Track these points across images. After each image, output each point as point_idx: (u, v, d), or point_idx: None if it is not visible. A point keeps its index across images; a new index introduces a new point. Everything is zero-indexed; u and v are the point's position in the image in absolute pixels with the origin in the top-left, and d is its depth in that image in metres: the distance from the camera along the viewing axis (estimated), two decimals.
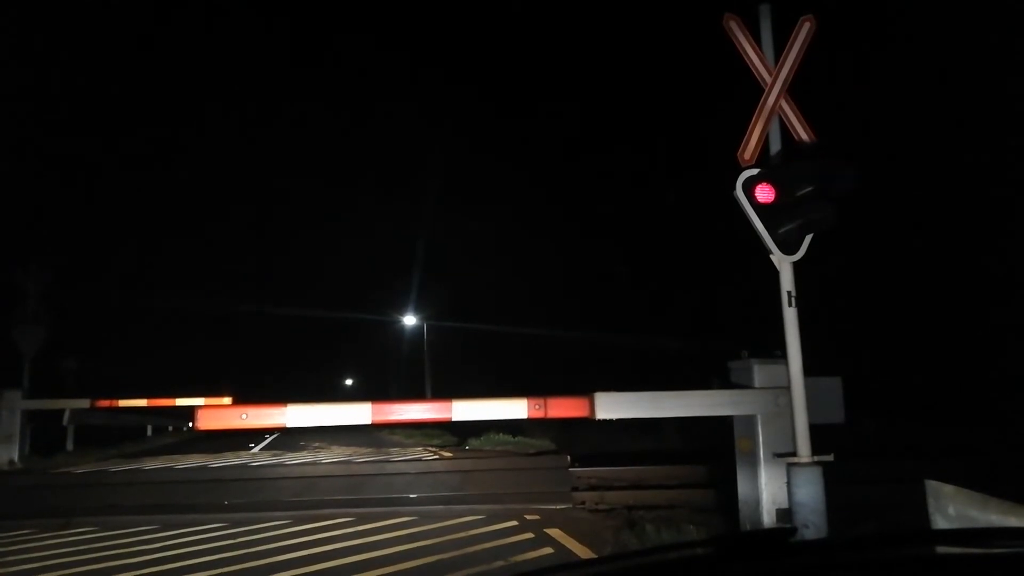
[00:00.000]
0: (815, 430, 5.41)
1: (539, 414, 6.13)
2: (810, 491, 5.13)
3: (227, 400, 17.89)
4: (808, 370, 5.48)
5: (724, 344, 6.72)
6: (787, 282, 5.49)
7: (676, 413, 6.28)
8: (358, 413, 6.12)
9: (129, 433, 23.05)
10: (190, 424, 40.15)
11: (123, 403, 15.99)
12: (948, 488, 3.63)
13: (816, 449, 5.32)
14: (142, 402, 16.41)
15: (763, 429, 5.89)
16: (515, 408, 6.15)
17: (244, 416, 6.03)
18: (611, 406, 6.11)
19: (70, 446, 16.61)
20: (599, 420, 6.12)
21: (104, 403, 15.58)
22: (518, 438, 14.96)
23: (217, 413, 6.15)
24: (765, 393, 5.94)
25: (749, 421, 6.01)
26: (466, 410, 6.17)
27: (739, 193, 5.51)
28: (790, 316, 5.46)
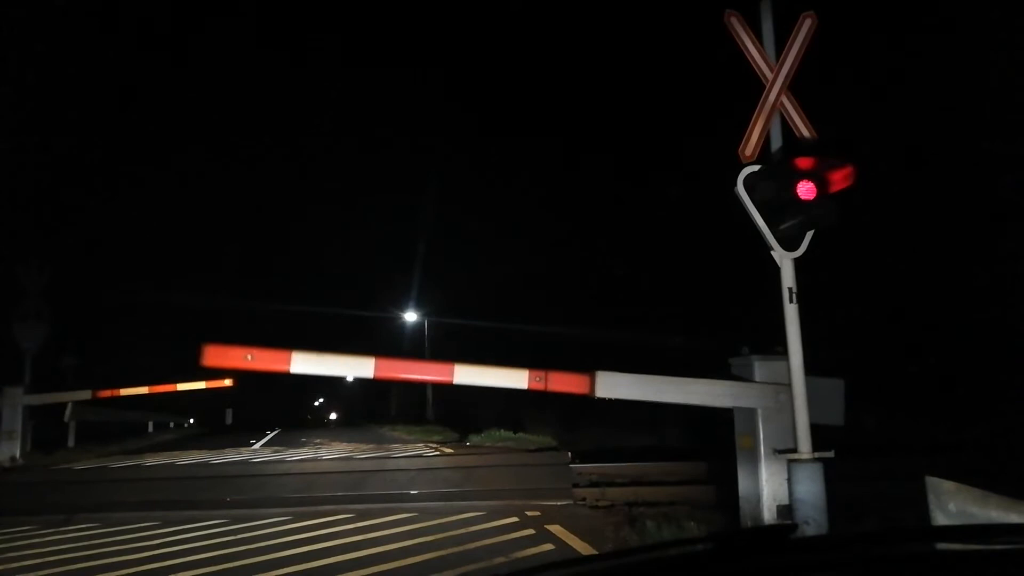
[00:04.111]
0: (815, 427, 5.42)
1: (539, 386, 6.18)
2: (811, 487, 5.13)
3: (228, 382, 17.98)
4: (810, 369, 5.47)
5: (725, 341, 6.72)
6: (788, 278, 5.49)
7: (677, 399, 6.27)
8: (362, 367, 6.24)
9: (130, 430, 23.09)
10: (191, 420, 40.22)
11: (124, 392, 15.99)
12: (948, 484, 3.63)
13: (817, 445, 5.33)
14: (143, 389, 16.40)
15: (764, 425, 5.90)
16: (516, 378, 6.22)
17: (249, 357, 6.13)
18: (612, 385, 6.14)
19: (71, 443, 16.64)
20: (598, 399, 6.16)
21: (105, 393, 15.61)
22: (519, 434, 14.98)
23: (223, 351, 6.22)
24: (766, 388, 5.94)
25: (750, 416, 6.02)
26: (467, 374, 6.25)
27: (740, 189, 5.51)
28: (791, 312, 5.46)
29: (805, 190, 5.29)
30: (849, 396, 6.08)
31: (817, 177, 5.28)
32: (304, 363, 6.17)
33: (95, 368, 19.06)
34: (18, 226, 21.52)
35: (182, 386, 17.28)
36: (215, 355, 6.12)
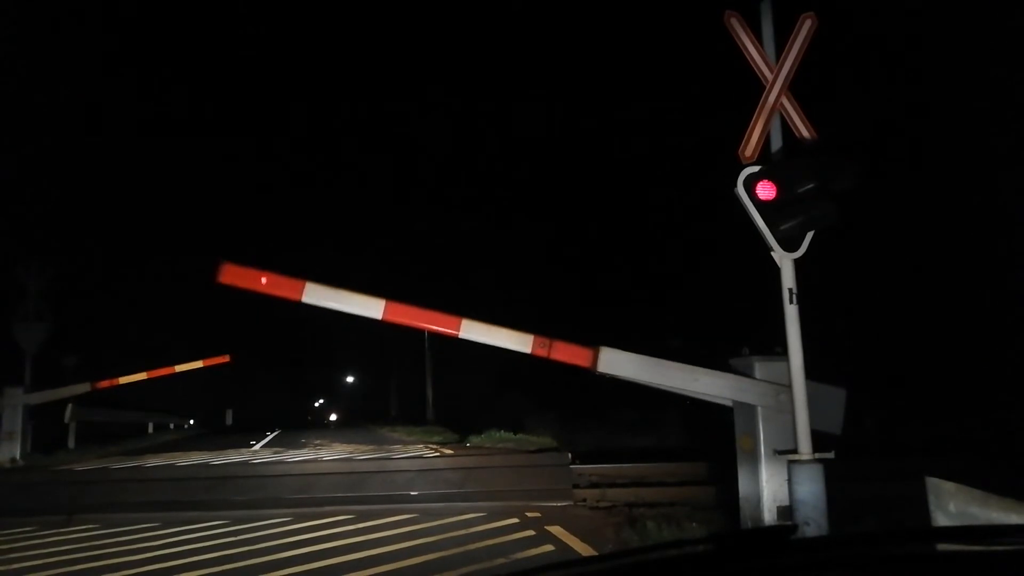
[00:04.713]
0: (814, 430, 5.41)
1: (543, 353, 6.27)
2: (811, 488, 5.13)
3: (225, 357, 18.20)
4: (810, 371, 5.46)
5: (725, 342, 6.72)
6: (788, 279, 5.49)
7: (678, 385, 6.27)
8: (372, 307, 6.39)
9: (131, 430, 23.09)
10: (191, 421, 40.20)
11: (123, 380, 16.08)
12: (949, 485, 3.63)
13: (817, 446, 5.33)
14: (142, 375, 16.47)
15: (764, 425, 5.90)
16: (520, 341, 6.34)
17: (264, 280, 6.30)
18: (614, 362, 6.21)
19: (72, 444, 16.64)
20: (599, 374, 6.21)
21: (104, 383, 15.69)
22: (519, 435, 14.95)
23: (239, 271, 6.37)
24: (767, 386, 5.95)
25: (750, 416, 6.02)
26: (473, 330, 6.39)
27: (740, 190, 5.50)
28: (791, 313, 5.45)
29: (804, 191, 5.29)
30: (850, 402, 6.08)
31: (816, 178, 5.28)
32: (315, 294, 6.33)
33: (95, 364, 19.04)
34: (18, 226, 21.53)
35: (180, 367, 17.35)
36: (231, 273, 6.29)
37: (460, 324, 6.39)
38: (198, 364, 17.71)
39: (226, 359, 18.40)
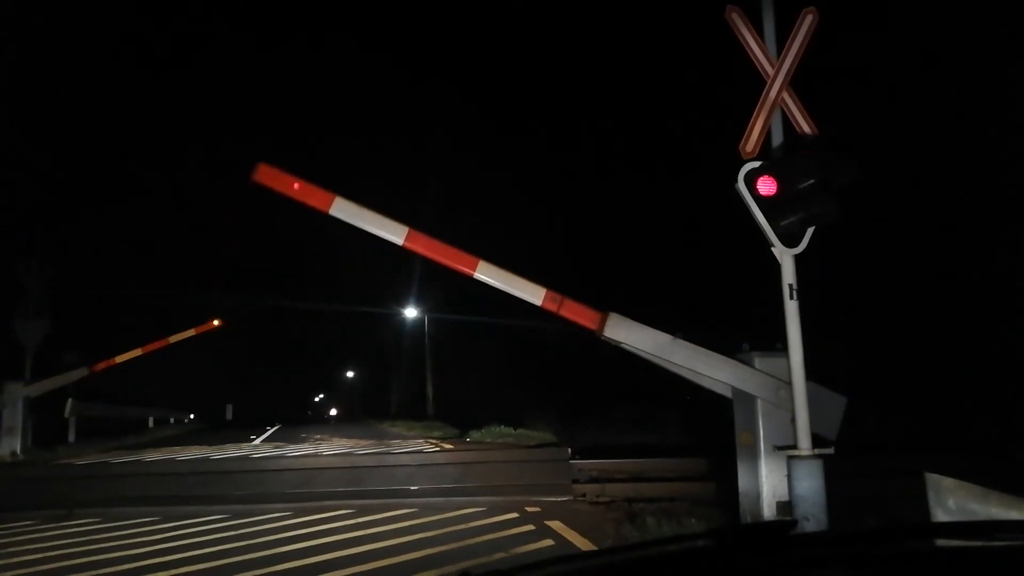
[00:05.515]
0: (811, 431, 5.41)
1: (552, 307, 6.41)
2: (811, 484, 5.13)
3: (216, 322, 18.47)
4: (811, 371, 5.46)
5: (725, 338, 6.72)
6: (788, 275, 5.48)
7: (680, 362, 6.30)
8: (395, 231, 6.55)
9: (131, 425, 23.11)
10: (191, 416, 40.26)
11: (120, 359, 16.35)
12: (948, 481, 3.63)
13: (816, 443, 5.33)
14: (137, 352, 16.68)
15: (764, 421, 5.90)
16: (532, 292, 6.52)
17: (296, 187, 6.43)
18: (620, 330, 6.33)
19: (72, 438, 16.68)
20: (604, 338, 6.28)
21: (102, 365, 15.86)
22: (519, 430, 14.98)
23: (275, 173, 6.49)
24: (767, 379, 5.96)
25: (750, 411, 6.02)
26: (488, 272, 6.55)
27: (741, 186, 5.50)
28: (791, 309, 5.45)
29: (805, 186, 5.28)
30: (849, 408, 6.07)
31: (817, 174, 5.26)
32: (343, 209, 6.45)
33: (94, 357, 19.11)
34: (18, 225, 21.52)
35: (173, 338, 17.62)
36: (267, 174, 6.41)
37: (477, 264, 6.51)
38: (190, 333, 17.96)
39: (218, 324, 18.61)
